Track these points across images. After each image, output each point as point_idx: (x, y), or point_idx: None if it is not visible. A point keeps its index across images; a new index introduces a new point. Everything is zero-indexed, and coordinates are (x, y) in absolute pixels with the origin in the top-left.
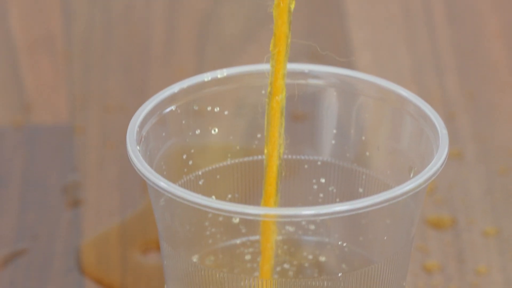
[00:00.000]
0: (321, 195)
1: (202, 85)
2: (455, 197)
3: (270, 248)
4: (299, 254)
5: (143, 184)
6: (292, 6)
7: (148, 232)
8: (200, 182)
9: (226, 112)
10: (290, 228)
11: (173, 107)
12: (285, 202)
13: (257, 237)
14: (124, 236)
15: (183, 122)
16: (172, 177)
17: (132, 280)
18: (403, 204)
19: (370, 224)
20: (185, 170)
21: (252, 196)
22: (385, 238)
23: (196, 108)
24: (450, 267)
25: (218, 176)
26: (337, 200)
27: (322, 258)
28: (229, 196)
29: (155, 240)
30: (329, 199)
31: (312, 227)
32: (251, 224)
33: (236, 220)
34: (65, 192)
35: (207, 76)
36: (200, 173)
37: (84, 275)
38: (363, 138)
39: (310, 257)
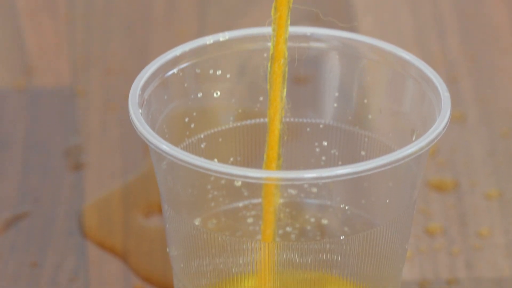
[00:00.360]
0: (323, 158)
1: (204, 48)
2: (458, 160)
3: (272, 211)
4: (301, 217)
5: (145, 147)
6: None
7: (150, 195)
8: (202, 145)
9: (228, 75)
10: (292, 191)
11: (175, 70)
12: (287, 165)
13: (259, 200)
14: (126, 199)
15: (185, 85)
16: (174, 140)
17: (134, 243)
18: (405, 167)
19: (372, 187)
20: (187, 133)
21: (254, 159)
22: (387, 201)
23: (198, 71)
24: (452, 230)
25: (220, 139)
26: (340, 163)
27: (325, 221)
28: (231, 159)
29: (157, 203)
30: (331, 162)
31: (314, 190)
32: (254, 187)
33: (238, 183)
34: (67, 155)
35: (209, 39)
36: (202, 136)
37: (86, 238)
38: (365, 101)
39: (312, 220)
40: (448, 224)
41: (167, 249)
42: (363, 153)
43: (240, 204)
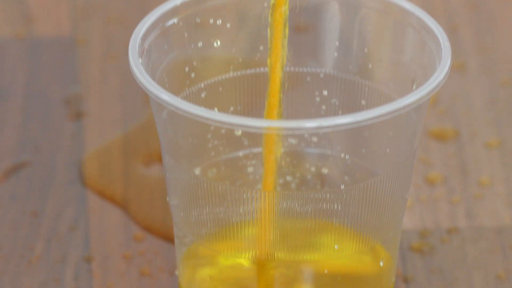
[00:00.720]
0: (323, 107)
1: None
2: (458, 109)
3: (273, 160)
4: (302, 166)
5: (145, 96)
6: None
7: (150, 144)
8: (203, 95)
9: (228, 25)
10: (293, 141)
11: (175, 20)
12: (288, 114)
13: (259, 150)
14: (127, 148)
15: (185, 34)
16: (174, 90)
17: (134, 192)
18: (405, 116)
19: (372, 137)
20: (187, 82)
21: (255, 108)
22: (387, 150)
23: (198, 20)
24: (453, 179)
25: (220, 89)
26: (340, 112)
27: (325, 171)
28: (232, 108)
29: (157, 152)
30: (332, 112)
31: (315, 139)
32: (254, 137)
33: (238, 133)
34: (68, 104)
35: None
36: (202, 85)
37: (86, 187)
38: (366, 50)
39: (313, 169)
40: (449, 173)
41: (167, 198)
42: (363, 102)
43: (240, 154)
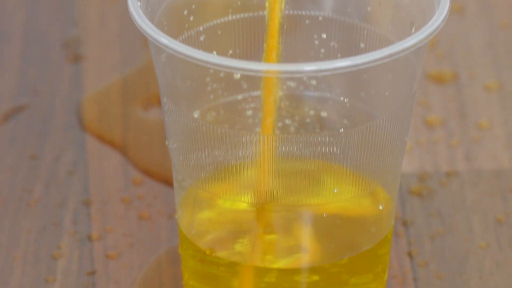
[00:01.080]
0: (322, 50)
1: None
2: (457, 51)
3: (272, 102)
4: (301, 109)
5: (144, 39)
6: None
7: (149, 87)
8: (201, 38)
9: None
10: (292, 84)
11: None
12: (287, 57)
13: (258, 93)
14: (126, 91)
15: None
16: (173, 33)
17: (133, 136)
18: (404, 59)
19: (371, 80)
20: (186, 26)
21: (254, 51)
22: (386, 93)
23: None
24: (452, 122)
25: (219, 32)
26: (339, 55)
27: (324, 114)
28: (230, 51)
29: (156, 95)
30: (331, 55)
31: (314, 82)
32: (253, 80)
33: (237, 76)
34: (66, 47)
35: None
36: (201, 29)
37: (85, 131)
38: None
39: (312, 112)
40: (448, 116)
41: (166, 142)
42: (362, 45)
43: (239, 97)
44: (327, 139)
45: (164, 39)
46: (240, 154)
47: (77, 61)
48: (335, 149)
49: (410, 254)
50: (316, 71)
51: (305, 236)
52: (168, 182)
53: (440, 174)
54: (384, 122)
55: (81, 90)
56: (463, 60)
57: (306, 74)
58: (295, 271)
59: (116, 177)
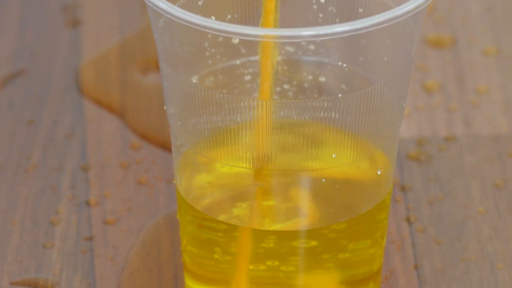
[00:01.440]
0: (320, 15)
1: None
2: (455, 16)
3: (270, 66)
4: (299, 74)
5: (142, 3)
6: None
7: (147, 51)
8: (200, 3)
9: None
10: (290, 49)
11: None
12: (285, 22)
13: (256, 58)
14: (124, 56)
15: None
16: None
17: (131, 100)
18: (403, 24)
19: (370, 45)
20: None
21: (252, 17)
22: (385, 58)
23: None
24: (450, 87)
25: None
26: (337, 20)
27: (322, 79)
28: (229, 16)
29: (154, 59)
30: (329, 19)
31: (312, 47)
32: (251, 45)
33: (235, 41)
34: (65, 12)
35: None
36: None
37: (83, 95)
38: None
39: (310, 77)
40: (446, 80)
41: (165, 107)
42: (360, 10)
43: (238, 62)
44: (325, 104)
45: (162, 4)
46: (238, 119)
47: (75, 25)
48: (333, 114)
49: (408, 220)
50: (314, 36)
51: (303, 199)
52: (166, 147)
53: (438, 139)
54: (382, 87)
55: (79, 54)
56: (461, 25)
57: (304, 39)
58: (292, 236)
59: (114, 141)
